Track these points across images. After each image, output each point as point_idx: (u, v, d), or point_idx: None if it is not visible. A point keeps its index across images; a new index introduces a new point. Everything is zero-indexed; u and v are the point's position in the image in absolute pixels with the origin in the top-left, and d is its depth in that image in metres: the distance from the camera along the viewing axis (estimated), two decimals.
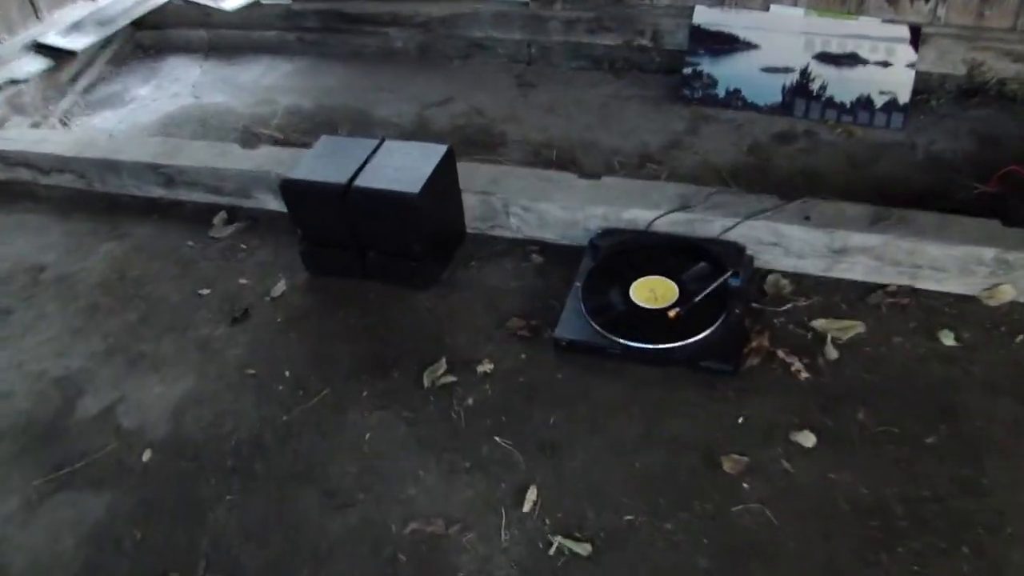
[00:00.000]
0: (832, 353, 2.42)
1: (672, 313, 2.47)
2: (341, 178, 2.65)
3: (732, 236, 2.65)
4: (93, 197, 3.44)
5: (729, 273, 2.53)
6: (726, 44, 3.50)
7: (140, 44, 4.57)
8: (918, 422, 2.22)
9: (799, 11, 3.41)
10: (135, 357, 2.68)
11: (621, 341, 2.42)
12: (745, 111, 3.46)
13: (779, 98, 3.42)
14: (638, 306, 2.52)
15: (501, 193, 2.83)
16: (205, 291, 2.89)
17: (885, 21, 3.33)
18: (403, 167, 2.65)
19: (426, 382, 2.46)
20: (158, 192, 3.34)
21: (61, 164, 3.41)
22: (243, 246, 3.06)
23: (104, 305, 2.89)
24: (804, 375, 2.37)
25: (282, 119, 3.77)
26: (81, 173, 3.42)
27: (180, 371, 2.61)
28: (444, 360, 2.51)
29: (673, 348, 2.40)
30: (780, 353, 2.43)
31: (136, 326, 2.79)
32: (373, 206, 2.62)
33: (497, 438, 2.29)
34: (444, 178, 2.72)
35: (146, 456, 2.37)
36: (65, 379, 2.64)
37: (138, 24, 4.45)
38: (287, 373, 2.55)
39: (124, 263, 3.06)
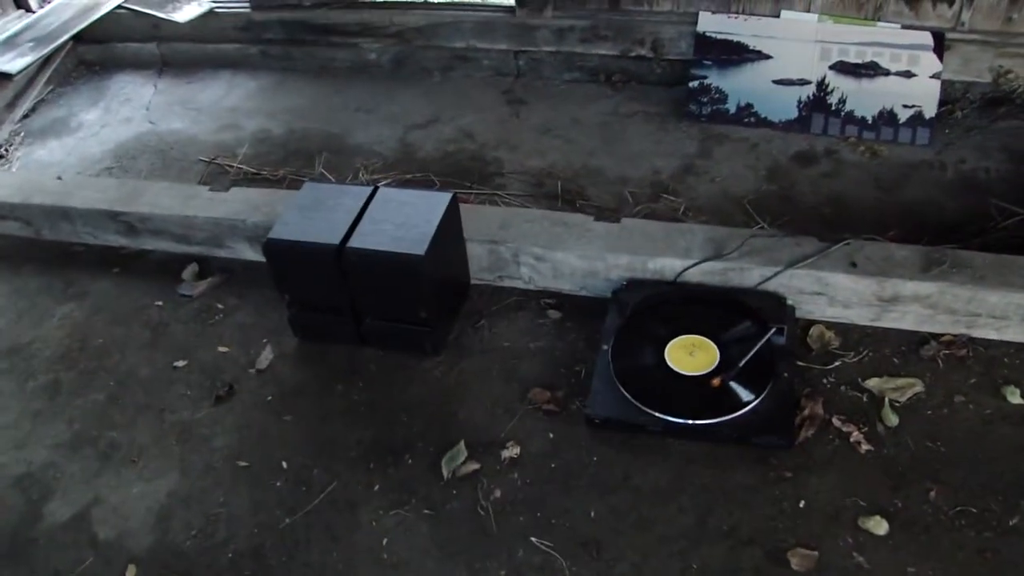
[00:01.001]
0: (891, 419, 2.21)
1: (715, 381, 2.22)
2: (333, 238, 2.34)
3: (771, 285, 2.41)
4: (42, 247, 3.08)
5: (773, 330, 2.29)
6: (734, 54, 3.23)
7: (84, 60, 4.16)
8: (996, 500, 2.02)
9: (813, 17, 3.15)
10: (107, 448, 2.37)
11: (663, 417, 2.17)
12: (759, 128, 3.20)
13: (795, 113, 3.17)
14: (677, 373, 2.27)
15: (511, 241, 2.55)
16: (181, 363, 2.57)
17: (905, 27, 3.09)
18: (403, 223, 2.36)
19: (445, 472, 2.19)
20: (118, 241, 2.99)
21: (4, 211, 3.04)
22: (219, 305, 2.74)
23: (66, 382, 2.56)
24: (865, 447, 2.15)
25: (250, 148, 3.42)
26: (27, 220, 3.05)
27: (161, 464, 2.31)
28: (463, 444, 2.24)
29: (721, 423, 2.15)
30: (836, 421, 2.21)
31: (105, 408, 2.47)
32: (372, 270, 2.33)
33: (533, 539, 2.04)
34: (449, 231, 2.43)
35: (130, 574, 2.07)
36: (28, 477, 2.32)
37: (80, 37, 4.02)
38: (285, 464, 2.26)
39: (85, 329, 2.72)
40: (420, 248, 2.27)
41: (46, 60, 3.95)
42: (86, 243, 3.04)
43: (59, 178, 3.10)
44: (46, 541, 2.16)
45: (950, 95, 3.17)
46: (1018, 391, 2.25)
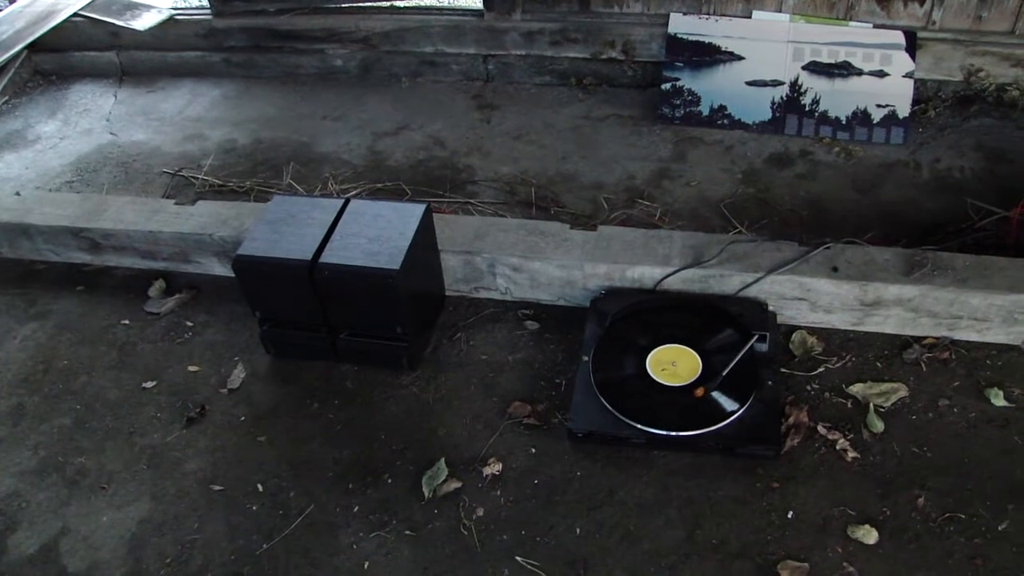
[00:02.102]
0: (877, 425, 2.18)
1: (699, 391, 2.19)
2: (305, 253, 2.28)
3: (752, 291, 2.38)
4: (1, 265, 2.97)
5: (755, 338, 2.26)
6: (706, 55, 3.20)
7: (39, 69, 4.04)
8: (984, 505, 2.01)
9: (784, 17, 3.14)
10: (75, 474, 2.28)
11: (647, 429, 2.13)
12: (733, 130, 3.18)
13: (768, 115, 3.15)
14: (659, 384, 2.23)
15: (487, 251, 2.50)
16: (150, 383, 2.49)
17: (877, 26, 3.08)
18: (376, 236, 2.30)
19: (426, 491, 2.13)
20: (81, 257, 2.90)
21: None
22: (188, 323, 2.66)
23: (30, 406, 2.47)
24: (851, 454, 2.13)
25: (216, 159, 3.33)
26: None
27: (131, 490, 2.23)
28: (443, 461, 2.19)
29: (706, 434, 2.11)
30: (821, 429, 2.18)
31: (72, 433, 2.39)
32: (345, 285, 2.26)
33: (518, 558, 1.99)
34: (423, 243, 2.37)
35: None
36: None
37: (35, 46, 3.92)
38: (260, 487, 2.19)
39: (49, 350, 2.63)
40: (395, 263, 2.21)
41: None
42: (48, 261, 2.95)
43: (17, 193, 3.00)
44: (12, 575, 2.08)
45: (923, 94, 3.18)
46: (1001, 393, 2.23)
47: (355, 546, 2.04)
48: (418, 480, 2.16)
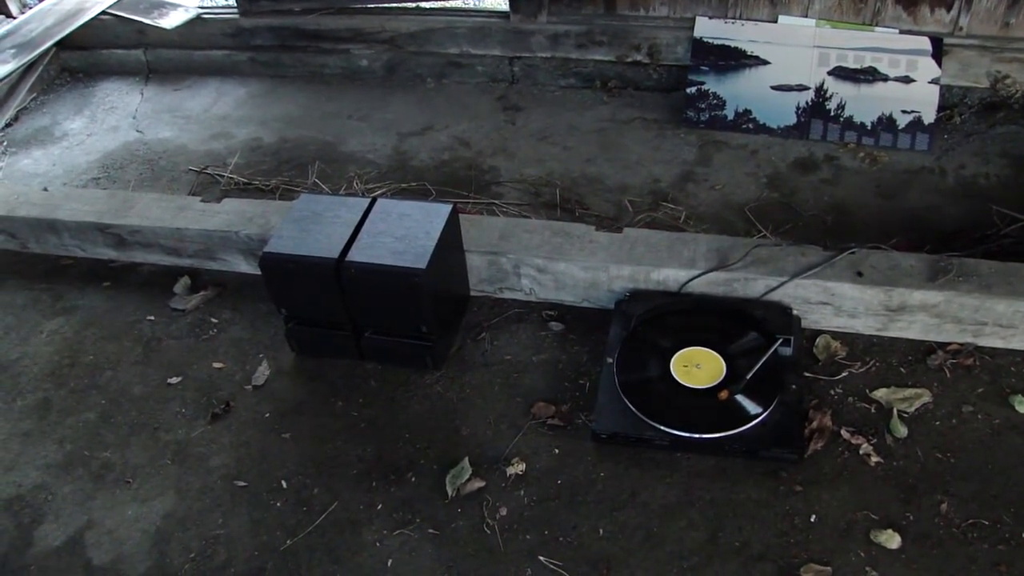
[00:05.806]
0: (900, 430, 2.18)
1: (723, 394, 2.19)
2: (331, 251, 2.29)
3: (776, 295, 2.38)
4: (28, 260, 3.00)
5: (779, 341, 2.26)
6: (732, 60, 3.20)
7: (67, 67, 4.08)
8: (1008, 512, 2.00)
9: (810, 22, 3.13)
10: (100, 468, 2.30)
11: (670, 431, 2.13)
12: (757, 134, 3.18)
13: (793, 119, 3.15)
14: (683, 386, 2.23)
15: (512, 252, 2.51)
16: (175, 379, 2.51)
17: (903, 32, 3.07)
18: (403, 236, 2.31)
19: (450, 490, 2.14)
20: (107, 253, 2.92)
21: None
22: (213, 319, 2.68)
23: (57, 401, 2.49)
24: (874, 459, 2.12)
25: (241, 157, 3.36)
26: (12, 233, 2.98)
27: (156, 485, 2.24)
28: (467, 460, 2.20)
29: (729, 437, 2.11)
30: (844, 433, 2.18)
31: (97, 427, 2.41)
32: (372, 284, 2.28)
33: (542, 558, 1.99)
34: (449, 243, 2.38)
35: None
36: (18, 500, 2.25)
37: (63, 44, 3.95)
38: (284, 483, 2.21)
39: (75, 345, 2.66)
40: (421, 262, 2.22)
41: (28, 67, 3.87)
42: (74, 256, 2.97)
43: (45, 189, 3.02)
44: (38, 567, 2.10)
45: (948, 100, 3.17)
46: None
47: (378, 544, 2.06)
48: (441, 479, 2.17)
